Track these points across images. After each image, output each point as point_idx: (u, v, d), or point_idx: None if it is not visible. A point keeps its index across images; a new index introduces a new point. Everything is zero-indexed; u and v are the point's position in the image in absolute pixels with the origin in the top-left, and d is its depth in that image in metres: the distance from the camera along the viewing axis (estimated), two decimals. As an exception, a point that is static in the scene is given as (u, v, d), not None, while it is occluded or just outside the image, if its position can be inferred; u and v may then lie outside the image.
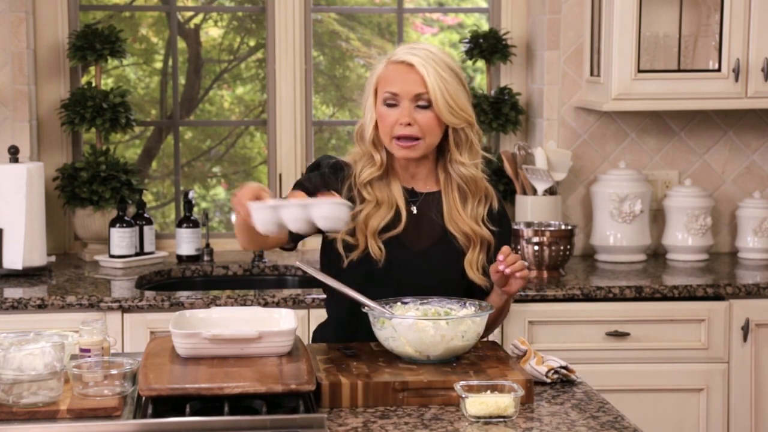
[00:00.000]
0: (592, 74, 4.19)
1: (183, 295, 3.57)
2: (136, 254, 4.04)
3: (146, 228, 4.09)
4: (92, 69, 4.27)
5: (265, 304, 3.53)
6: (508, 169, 4.15)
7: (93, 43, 4.09)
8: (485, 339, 2.67)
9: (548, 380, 2.45)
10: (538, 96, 4.31)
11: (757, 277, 3.85)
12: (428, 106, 2.55)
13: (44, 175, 3.94)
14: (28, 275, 3.83)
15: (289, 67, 4.33)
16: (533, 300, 3.67)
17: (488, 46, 4.25)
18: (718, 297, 3.73)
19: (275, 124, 4.36)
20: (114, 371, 2.22)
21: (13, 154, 3.85)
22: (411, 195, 2.66)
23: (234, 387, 2.14)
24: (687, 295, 3.71)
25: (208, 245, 4.16)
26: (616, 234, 4.12)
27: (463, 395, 2.18)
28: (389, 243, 2.61)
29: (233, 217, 2.59)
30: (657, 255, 4.27)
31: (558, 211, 4.11)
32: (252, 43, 4.62)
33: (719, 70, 3.96)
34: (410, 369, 2.37)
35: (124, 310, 3.53)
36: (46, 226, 3.93)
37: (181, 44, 4.58)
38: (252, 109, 4.69)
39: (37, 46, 4.20)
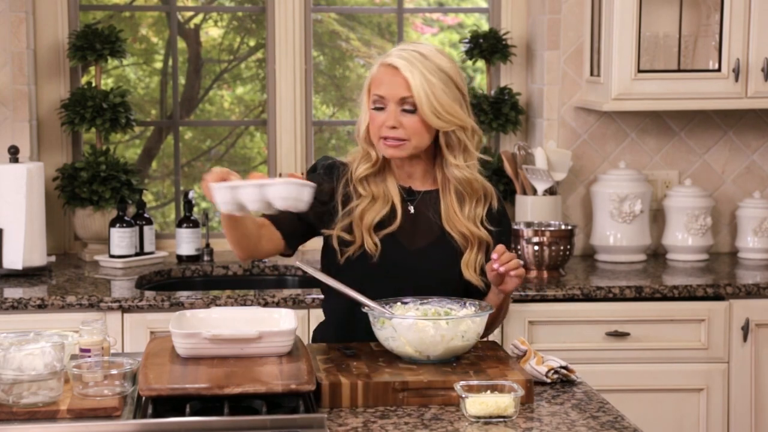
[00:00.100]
0: (592, 74, 4.19)
1: (183, 295, 3.57)
2: (136, 254, 4.04)
3: (146, 228, 4.09)
4: (92, 69, 4.27)
5: (265, 304, 3.53)
6: (508, 169, 4.15)
7: (93, 43, 4.09)
8: (485, 339, 2.67)
9: (548, 380, 2.45)
10: (538, 96, 4.31)
11: (757, 277, 3.85)
12: (414, 109, 2.55)
13: (44, 175, 3.94)
14: (28, 275, 3.83)
15: (289, 67, 4.33)
16: (533, 300, 3.67)
17: (488, 46, 4.25)
18: (718, 297, 3.73)
19: (275, 124, 4.36)
20: (114, 371, 2.22)
21: (13, 154, 3.86)
22: (408, 194, 2.66)
23: (234, 387, 2.14)
24: (687, 295, 3.71)
25: (208, 245, 4.16)
26: (616, 234, 4.12)
27: (463, 395, 2.18)
28: (386, 242, 2.61)
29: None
30: (657, 255, 4.27)
31: (558, 211, 4.11)
32: (252, 43, 4.63)
33: (719, 70, 3.96)
34: (410, 369, 2.37)
35: (124, 310, 3.53)
36: (46, 226, 3.93)
37: (181, 44, 4.58)
38: (252, 109, 4.69)
39: (37, 46, 4.20)
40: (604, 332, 3.70)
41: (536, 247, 3.86)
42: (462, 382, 2.22)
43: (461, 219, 2.62)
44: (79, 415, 2.13)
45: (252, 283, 4.05)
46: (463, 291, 2.63)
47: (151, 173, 4.65)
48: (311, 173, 2.73)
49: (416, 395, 2.28)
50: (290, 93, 4.34)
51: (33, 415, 2.12)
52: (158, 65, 4.69)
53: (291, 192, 2.33)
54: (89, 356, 2.38)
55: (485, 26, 4.47)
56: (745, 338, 3.73)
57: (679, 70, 4.01)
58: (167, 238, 4.32)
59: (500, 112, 4.24)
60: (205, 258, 4.14)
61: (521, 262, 2.52)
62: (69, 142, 4.28)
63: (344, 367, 2.38)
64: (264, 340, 2.30)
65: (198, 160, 4.75)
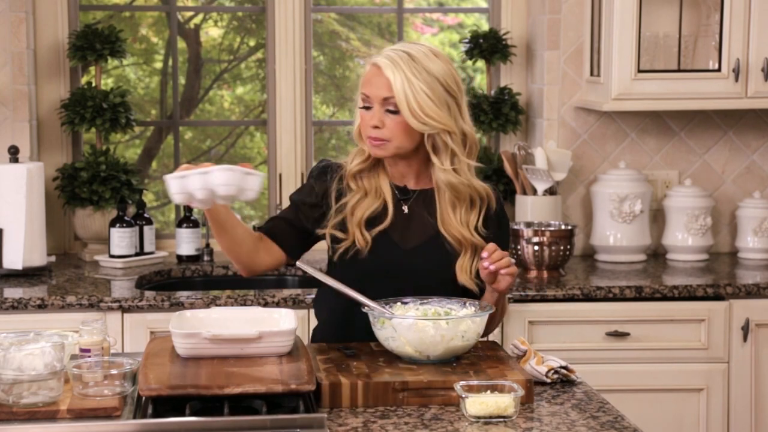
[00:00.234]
0: (592, 74, 4.19)
1: (183, 295, 3.57)
2: (136, 254, 4.04)
3: (146, 228, 4.09)
4: (92, 69, 4.27)
5: (265, 304, 3.53)
6: (508, 169, 4.15)
7: (93, 43, 4.09)
8: (485, 339, 2.67)
9: (548, 380, 2.45)
10: (538, 96, 4.31)
11: (757, 277, 3.85)
12: (397, 110, 2.54)
13: (44, 175, 3.94)
14: (28, 275, 3.83)
15: (289, 67, 4.33)
16: (533, 300, 3.67)
17: (488, 46, 4.25)
18: (718, 297, 3.73)
19: (275, 124, 4.36)
20: (114, 371, 2.22)
21: (13, 154, 3.86)
22: (403, 193, 2.66)
23: (234, 387, 2.14)
24: (687, 295, 3.71)
25: (208, 245, 4.16)
26: (616, 234, 4.12)
27: (463, 395, 2.18)
28: (380, 240, 2.61)
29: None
30: (657, 255, 4.27)
31: (558, 211, 4.11)
32: (252, 43, 4.63)
33: (719, 70, 3.96)
34: (410, 369, 2.37)
35: (124, 310, 3.53)
36: (46, 226, 3.93)
37: (181, 44, 4.58)
38: (252, 109, 4.69)
39: (37, 46, 4.20)
40: (604, 332, 3.70)
41: (536, 247, 3.86)
42: (462, 382, 2.22)
43: (453, 223, 2.61)
44: (79, 415, 2.13)
45: (252, 283, 4.05)
46: (460, 291, 2.62)
47: (151, 173, 4.65)
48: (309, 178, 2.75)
49: (416, 395, 2.28)
50: (290, 93, 4.34)
51: (33, 415, 2.12)
52: (158, 65, 4.69)
53: (230, 179, 2.33)
54: (89, 356, 2.38)
55: (485, 26, 4.47)
56: (745, 338, 3.73)
57: (679, 70, 4.01)
58: (167, 238, 4.32)
59: (500, 112, 4.24)
60: (205, 258, 4.14)
61: (513, 261, 2.51)
62: (69, 142, 4.28)
63: (344, 367, 2.38)
64: (264, 340, 2.30)
65: (198, 160, 4.75)
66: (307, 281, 3.98)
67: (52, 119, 4.22)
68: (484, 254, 2.48)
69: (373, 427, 2.15)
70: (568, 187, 4.29)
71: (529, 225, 3.98)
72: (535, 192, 4.11)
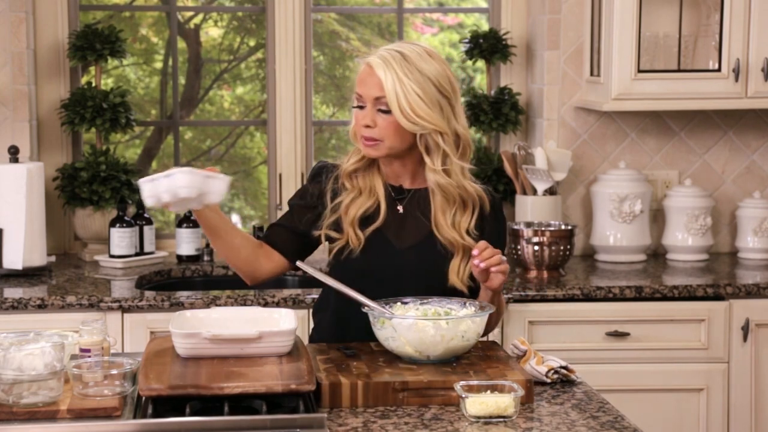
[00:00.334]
0: (592, 74, 4.19)
1: (183, 295, 3.57)
2: (136, 254, 4.04)
3: (146, 228, 4.09)
4: (92, 69, 4.27)
5: (265, 304, 3.53)
6: (508, 169, 4.15)
7: (93, 43, 4.09)
8: (484, 339, 2.67)
9: (548, 380, 2.45)
10: (538, 96, 4.31)
11: (757, 277, 3.85)
12: (389, 110, 2.54)
13: (44, 175, 3.94)
14: (28, 275, 3.83)
15: (289, 67, 4.33)
16: (533, 300, 3.67)
17: (488, 46, 4.25)
18: (718, 297, 3.73)
19: (275, 124, 4.36)
20: (114, 371, 2.22)
21: (13, 154, 3.86)
22: (399, 192, 2.66)
23: (234, 387, 2.14)
24: (687, 295, 3.71)
25: (208, 245, 4.16)
26: (616, 234, 4.12)
27: (463, 395, 2.18)
28: (375, 240, 2.61)
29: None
30: (657, 255, 4.27)
31: (558, 211, 4.11)
32: (252, 43, 4.63)
33: (719, 70, 3.96)
34: (410, 369, 2.37)
35: (124, 310, 3.53)
36: (46, 226, 3.93)
37: (181, 44, 4.58)
38: (252, 109, 4.69)
39: (37, 46, 4.20)
40: (604, 332, 3.70)
41: (536, 247, 3.86)
42: (462, 382, 2.22)
43: (444, 225, 2.61)
44: (79, 415, 2.13)
45: (252, 283, 4.05)
46: (455, 291, 2.62)
47: (151, 173, 4.65)
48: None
49: (416, 395, 2.28)
50: (290, 93, 4.34)
51: (33, 415, 2.12)
52: (158, 65, 4.69)
53: (191, 182, 2.36)
54: (89, 356, 2.38)
55: (485, 26, 4.47)
56: (745, 338, 3.73)
57: (679, 70, 4.01)
58: (167, 238, 4.33)
59: (500, 112, 4.24)
60: (205, 258, 4.14)
61: (504, 258, 2.51)
62: (69, 142, 4.28)
63: (344, 367, 2.38)
64: (264, 340, 2.30)
65: (198, 160, 4.75)
66: (307, 281, 3.98)
67: (52, 119, 4.22)
68: (475, 252, 2.47)
69: (373, 427, 2.15)
70: (568, 187, 4.29)
71: (529, 225, 3.98)
72: (535, 192, 4.11)
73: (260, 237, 2.75)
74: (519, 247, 3.88)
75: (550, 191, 4.11)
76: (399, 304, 2.51)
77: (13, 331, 2.36)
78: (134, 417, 2.14)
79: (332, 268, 2.64)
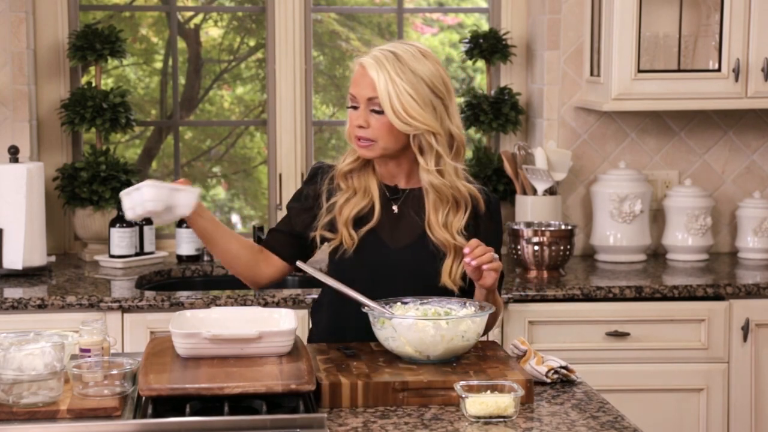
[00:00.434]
0: (592, 74, 4.19)
1: (183, 295, 3.57)
2: (136, 254, 4.04)
3: (146, 228, 4.09)
4: (92, 69, 4.27)
5: (265, 304, 3.53)
6: (508, 169, 4.15)
7: (93, 43, 4.09)
8: (484, 339, 2.67)
9: (548, 380, 2.45)
10: (538, 96, 4.31)
11: (757, 277, 3.85)
12: (382, 110, 2.54)
13: (44, 175, 3.94)
14: (28, 275, 3.83)
15: (289, 67, 4.33)
16: (533, 300, 3.67)
17: (488, 46, 4.25)
18: (718, 297, 3.73)
19: (275, 124, 4.36)
20: (114, 371, 2.22)
21: (13, 154, 3.86)
22: (393, 192, 2.66)
23: (234, 387, 2.14)
24: (687, 295, 3.71)
25: (208, 245, 4.15)
26: (616, 234, 4.12)
27: (463, 395, 2.18)
28: (370, 240, 2.61)
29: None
30: (657, 255, 4.27)
31: (558, 211, 4.11)
32: (252, 43, 4.63)
33: (719, 70, 3.96)
34: (410, 369, 2.37)
35: (124, 310, 3.53)
36: (46, 226, 3.93)
37: (181, 44, 4.58)
38: (252, 109, 4.69)
39: (37, 46, 4.20)
40: (604, 332, 3.70)
41: (536, 247, 3.86)
42: (462, 382, 2.22)
43: (436, 225, 2.61)
44: (79, 415, 2.13)
45: (252, 283, 4.05)
46: (448, 291, 2.62)
47: (151, 173, 4.65)
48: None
49: (416, 395, 2.28)
50: (290, 93, 4.34)
51: (33, 415, 2.12)
52: (158, 65, 4.69)
53: (156, 195, 2.44)
54: (89, 356, 2.38)
55: (485, 26, 4.47)
56: (745, 338, 3.73)
57: (679, 70, 4.01)
58: (167, 238, 4.33)
59: (500, 112, 4.24)
60: (205, 258, 4.14)
61: (496, 256, 2.50)
62: (69, 142, 4.28)
63: (344, 367, 2.38)
64: (264, 340, 2.30)
65: (198, 160, 4.75)
66: (307, 281, 3.98)
67: (52, 119, 4.22)
68: (466, 250, 2.47)
69: (373, 427, 2.15)
70: (568, 187, 4.29)
71: (529, 225, 3.98)
72: (535, 192, 4.11)
73: (260, 242, 2.76)
74: (519, 247, 3.88)
75: (550, 191, 4.11)
76: (399, 304, 2.51)
77: (13, 331, 2.36)
78: (134, 417, 2.14)
79: (328, 268, 2.64)
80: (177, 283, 4.02)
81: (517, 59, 4.37)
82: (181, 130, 4.52)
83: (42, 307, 3.49)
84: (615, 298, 3.70)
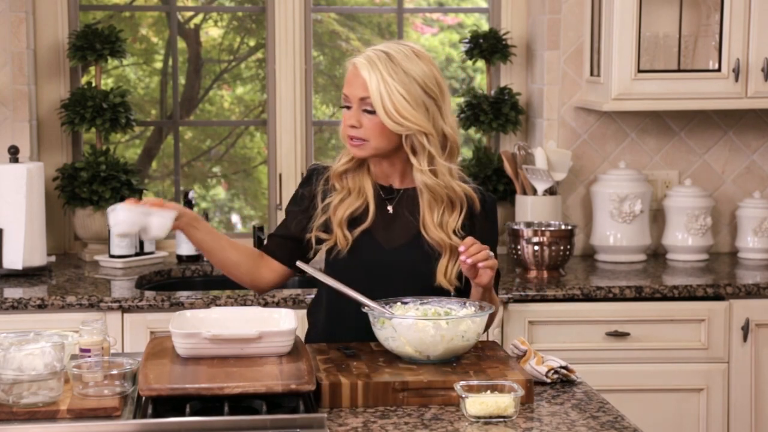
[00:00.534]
0: (592, 74, 4.19)
1: (183, 295, 3.57)
2: (136, 254, 4.04)
3: (146, 228, 4.08)
4: (92, 69, 4.27)
5: (265, 304, 3.53)
6: (508, 169, 4.15)
7: (93, 43, 4.09)
8: (483, 338, 2.67)
9: (548, 380, 2.45)
10: (538, 96, 4.31)
11: (757, 277, 3.85)
12: (374, 110, 2.54)
13: (44, 175, 3.94)
14: (28, 275, 3.83)
15: (289, 67, 4.33)
16: (533, 300, 3.67)
17: (488, 46, 4.25)
18: (718, 297, 3.73)
19: (275, 124, 4.36)
20: (114, 371, 2.22)
21: (13, 154, 3.86)
22: (388, 192, 2.66)
23: (234, 387, 2.14)
24: (687, 295, 3.71)
25: (208, 245, 4.15)
26: (616, 234, 4.12)
27: (463, 395, 2.18)
28: (364, 240, 2.62)
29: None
30: (657, 255, 4.27)
31: (558, 211, 4.11)
32: (252, 43, 4.63)
33: (719, 70, 3.96)
34: (410, 369, 2.37)
35: (124, 310, 3.53)
36: (46, 226, 3.93)
37: (181, 44, 4.58)
38: (252, 109, 4.69)
39: (37, 46, 4.20)
40: (604, 332, 3.70)
41: (536, 247, 3.86)
42: (462, 382, 2.22)
43: (431, 225, 2.61)
44: (79, 415, 2.13)
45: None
46: (444, 291, 2.62)
47: (151, 173, 4.65)
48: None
49: (416, 395, 2.28)
50: (290, 93, 4.34)
51: (33, 415, 2.12)
52: (158, 65, 4.69)
53: (126, 218, 2.49)
54: (89, 356, 2.38)
55: (485, 26, 4.47)
56: (745, 338, 3.73)
57: (679, 70, 4.01)
58: (167, 238, 4.32)
59: (500, 112, 4.24)
60: (205, 258, 4.12)
61: (491, 254, 2.50)
62: (69, 142, 4.28)
63: (344, 367, 2.38)
64: (264, 340, 2.30)
65: (198, 160, 4.75)
66: (307, 281, 3.98)
67: (52, 119, 4.22)
68: (462, 248, 2.47)
69: (373, 427, 2.15)
70: (568, 187, 4.29)
71: (529, 225, 3.98)
72: (535, 192, 4.11)
73: (260, 246, 2.77)
74: (519, 247, 3.88)
75: (550, 191, 4.11)
76: (399, 304, 2.51)
77: (13, 331, 2.36)
78: (134, 417, 2.14)
79: (324, 269, 2.64)
80: (177, 283, 4.02)
81: (517, 59, 4.37)
82: (181, 130, 4.52)
83: (42, 307, 3.49)
84: (615, 298, 3.70)
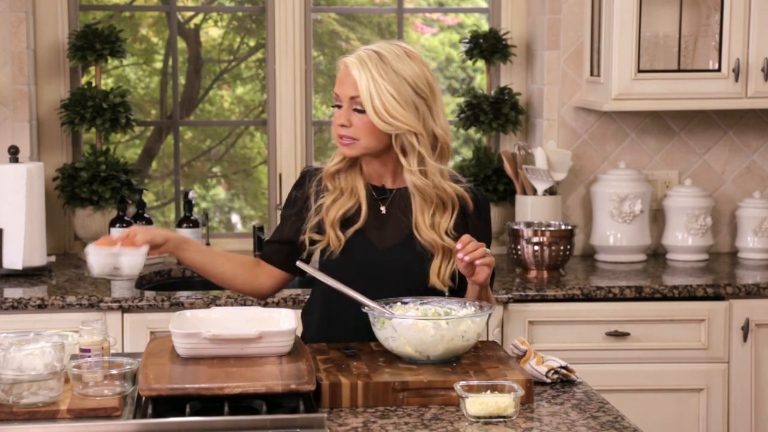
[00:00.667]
0: (592, 74, 4.19)
1: (183, 295, 3.57)
2: (136, 254, 4.03)
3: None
4: (92, 69, 4.27)
5: (265, 304, 3.53)
6: (508, 169, 4.16)
7: (93, 43, 4.09)
8: (483, 338, 2.67)
9: (548, 380, 2.45)
10: (538, 96, 4.31)
11: (757, 277, 3.85)
12: (364, 110, 2.55)
13: (44, 175, 3.94)
14: (28, 275, 3.83)
15: (289, 67, 4.33)
16: (533, 300, 3.67)
17: (488, 46, 4.25)
18: (718, 297, 3.73)
19: (275, 124, 4.36)
20: (114, 371, 2.22)
21: (13, 154, 3.86)
22: (381, 192, 2.66)
23: (234, 387, 2.14)
24: (687, 295, 3.71)
25: (208, 245, 4.16)
26: (616, 234, 4.12)
27: (463, 395, 2.18)
28: (357, 240, 2.62)
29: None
30: (657, 255, 4.27)
31: (558, 211, 4.11)
32: (252, 43, 4.63)
33: (719, 70, 3.96)
34: (410, 369, 2.37)
35: (124, 310, 3.53)
36: (46, 226, 3.93)
37: (181, 44, 4.58)
38: (252, 109, 4.69)
39: (37, 46, 4.20)
40: (604, 332, 3.70)
41: (536, 247, 3.86)
42: (462, 382, 2.22)
43: (423, 226, 2.61)
44: (79, 415, 2.13)
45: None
46: (437, 292, 2.61)
47: (151, 173, 4.65)
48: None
49: (416, 395, 2.28)
50: (290, 93, 4.34)
51: (33, 415, 2.12)
52: (158, 65, 4.69)
53: (95, 261, 2.49)
54: (89, 356, 2.38)
55: (485, 26, 4.47)
56: (745, 338, 3.73)
57: (679, 70, 4.01)
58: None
59: (500, 112, 4.24)
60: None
61: (488, 251, 2.51)
62: (69, 142, 4.28)
63: (344, 367, 2.38)
64: (264, 340, 2.30)
65: (198, 160, 4.75)
66: (307, 281, 3.97)
67: (52, 119, 4.22)
68: (459, 246, 2.48)
69: (373, 427, 2.15)
70: (568, 187, 4.29)
71: (529, 225, 3.98)
72: (535, 192, 4.11)
73: (258, 255, 2.78)
74: (519, 247, 3.88)
75: (550, 191, 4.11)
76: (399, 304, 2.51)
77: (13, 331, 2.36)
78: (134, 417, 2.14)
79: (319, 270, 2.63)
80: (177, 283, 4.02)
81: (517, 59, 4.37)
82: (181, 130, 4.52)
83: (42, 307, 3.49)
84: (615, 298, 3.70)
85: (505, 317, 3.65)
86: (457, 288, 2.62)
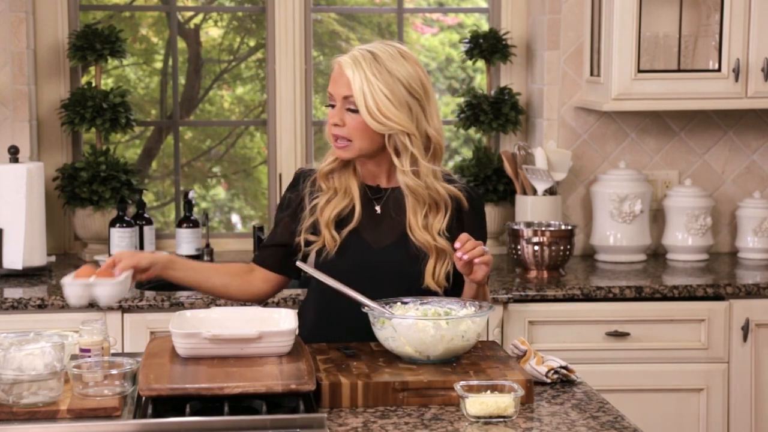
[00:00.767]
0: (592, 74, 4.19)
1: (183, 295, 3.57)
2: (136, 254, 4.04)
3: (146, 228, 4.09)
4: (92, 69, 4.27)
5: (265, 305, 3.53)
6: (508, 169, 4.16)
7: (93, 43, 4.09)
8: (483, 339, 2.67)
9: (548, 380, 2.45)
10: (538, 96, 4.31)
11: (757, 277, 3.85)
12: (357, 109, 2.55)
13: (44, 175, 3.94)
14: (28, 275, 3.83)
15: (289, 67, 4.33)
16: (533, 300, 3.67)
17: (488, 46, 4.25)
18: (718, 297, 3.73)
19: (275, 124, 4.36)
20: (114, 371, 2.22)
21: (13, 154, 3.86)
22: (375, 192, 2.66)
23: (234, 387, 2.14)
24: (687, 295, 3.71)
25: (208, 245, 4.16)
26: (616, 234, 4.12)
27: (463, 395, 2.18)
28: (352, 240, 2.62)
29: None
30: (657, 255, 4.27)
31: (558, 211, 4.11)
32: (252, 43, 4.63)
33: (719, 70, 3.97)
34: (410, 369, 2.37)
35: (124, 310, 3.53)
36: (46, 226, 3.93)
37: (181, 44, 4.58)
38: (252, 109, 4.69)
39: (37, 46, 4.20)
40: (604, 332, 3.70)
41: (536, 247, 3.86)
42: (462, 382, 2.22)
43: (417, 227, 2.61)
44: (79, 415, 2.13)
45: (252, 283, 4.05)
46: (431, 292, 2.61)
47: (151, 173, 4.65)
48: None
49: (416, 395, 2.28)
50: (290, 93, 4.34)
51: (33, 415, 2.12)
52: (158, 65, 4.69)
53: (71, 293, 2.48)
54: (89, 356, 2.38)
55: (485, 26, 4.47)
56: (745, 338, 3.73)
57: (679, 70, 4.01)
58: (167, 238, 4.32)
59: (500, 112, 4.24)
60: (205, 258, 4.14)
61: (486, 249, 2.50)
62: (69, 142, 4.28)
63: (344, 367, 2.38)
64: (264, 340, 2.30)
65: (198, 160, 4.75)
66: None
67: (52, 119, 4.22)
68: (457, 245, 2.47)
69: (373, 427, 2.15)
70: (568, 187, 4.29)
71: (529, 225, 3.98)
72: (535, 192, 4.11)
73: (253, 260, 2.77)
74: (519, 247, 3.88)
75: (550, 191, 4.11)
76: (399, 304, 2.51)
77: (13, 331, 2.36)
78: (134, 417, 2.14)
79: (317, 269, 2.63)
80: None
81: (517, 59, 4.37)
82: (181, 130, 4.52)
83: (42, 307, 3.49)
84: (615, 298, 3.70)
85: (505, 317, 3.65)
86: (451, 289, 2.62)
